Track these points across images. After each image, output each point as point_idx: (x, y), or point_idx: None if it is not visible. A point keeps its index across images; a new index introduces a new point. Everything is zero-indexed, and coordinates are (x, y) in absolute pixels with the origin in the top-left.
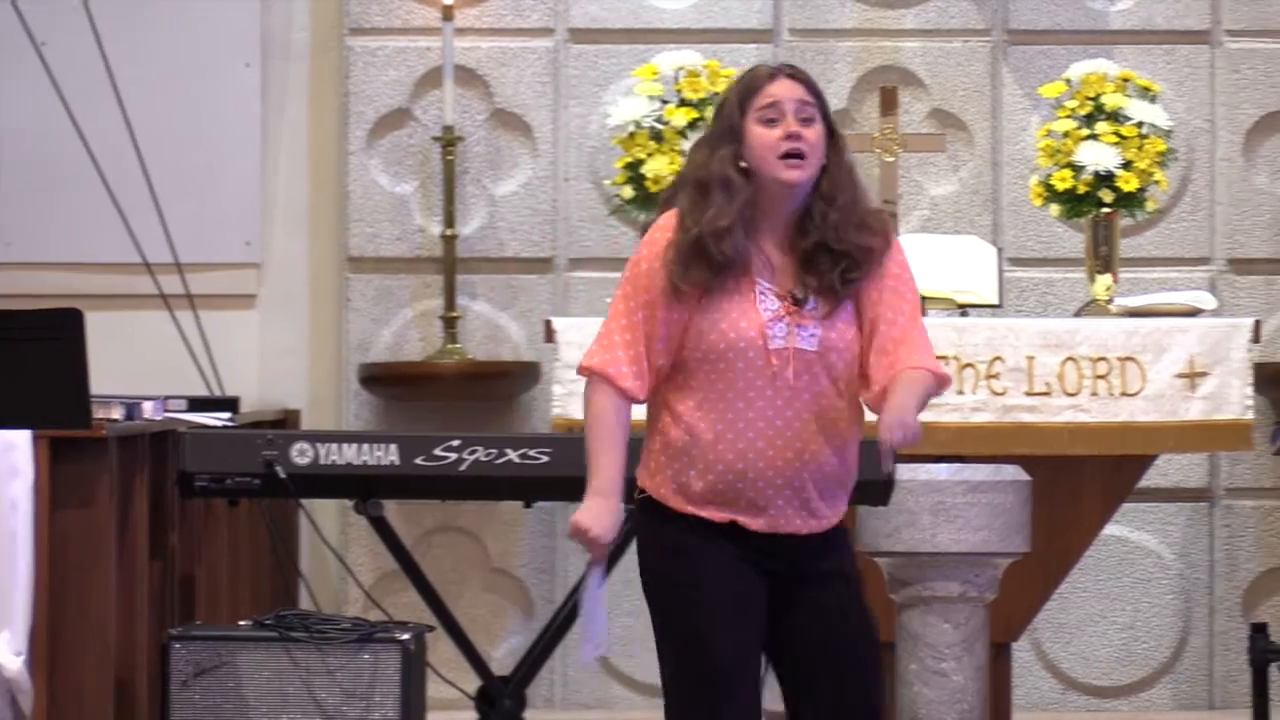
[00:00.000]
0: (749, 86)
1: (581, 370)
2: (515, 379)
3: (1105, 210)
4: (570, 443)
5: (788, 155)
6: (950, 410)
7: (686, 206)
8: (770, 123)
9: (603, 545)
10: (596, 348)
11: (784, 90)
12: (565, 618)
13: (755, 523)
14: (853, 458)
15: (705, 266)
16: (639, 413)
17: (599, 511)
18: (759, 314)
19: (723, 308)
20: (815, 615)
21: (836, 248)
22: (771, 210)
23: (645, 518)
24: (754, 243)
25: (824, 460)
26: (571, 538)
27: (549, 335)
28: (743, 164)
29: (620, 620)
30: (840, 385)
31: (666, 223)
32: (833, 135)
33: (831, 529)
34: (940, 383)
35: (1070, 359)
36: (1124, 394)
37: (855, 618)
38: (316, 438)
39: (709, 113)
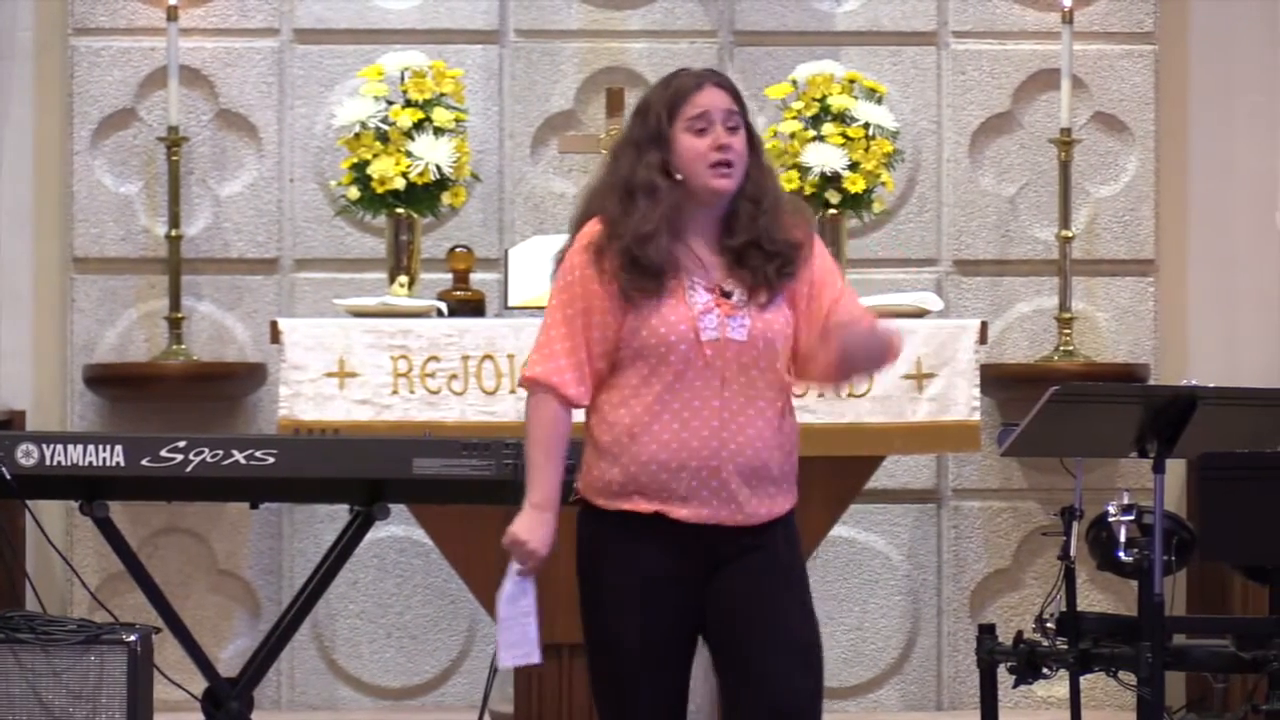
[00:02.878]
0: (677, 95)
1: (524, 381)
2: (241, 380)
3: (832, 211)
4: (296, 444)
5: (718, 164)
6: None
7: (616, 213)
8: (700, 132)
9: (538, 558)
10: (537, 357)
11: (712, 100)
12: (291, 619)
13: (680, 512)
14: (790, 453)
15: (644, 273)
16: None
17: (534, 524)
18: (689, 308)
19: (655, 305)
20: (735, 613)
21: (769, 248)
22: (699, 213)
23: (579, 517)
24: (682, 243)
25: (749, 451)
26: (506, 548)
27: (275, 336)
28: (670, 170)
29: (348, 621)
30: (769, 376)
31: (592, 229)
32: (752, 140)
33: (764, 525)
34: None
35: None
36: (851, 395)
37: (775, 620)
38: (42, 439)
39: (435, 113)
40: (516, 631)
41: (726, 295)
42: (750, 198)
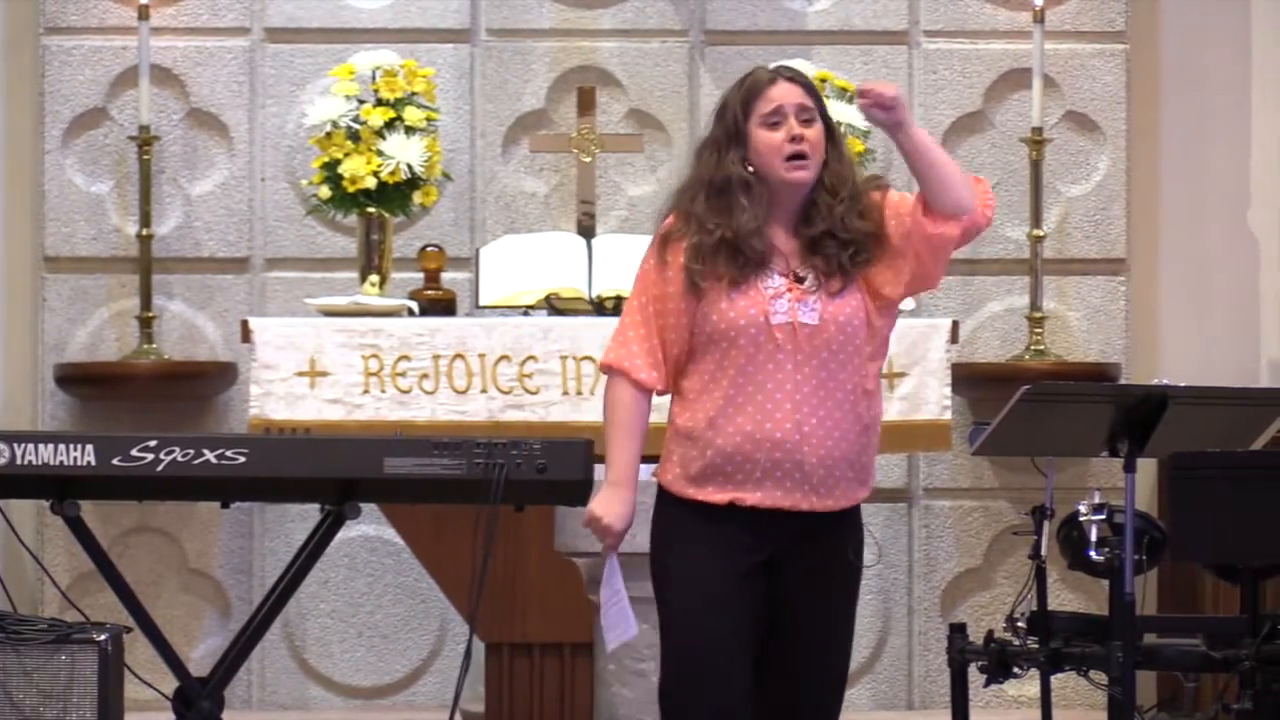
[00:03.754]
0: (750, 91)
1: (600, 367)
2: (212, 379)
3: None
4: (267, 443)
5: (792, 157)
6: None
7: (703, 209)
8: (774, 126)
9: (615, 533)
10: (612, 344)
11: (784, 94)
12: (262, 618)
13: (753, 497)
14: (868, 443)
15: (731, 262)
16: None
17: (611, 500)
18: (761, 292)
19: (727, 291)
20: (796, 605)
21: (844, 236)
22: (778, 204)
23: (656, 505)
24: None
25: (828, 436)
26: (585, 526)
27: (245, 335)
28: (749, 166)
29: (318, 621)
30: (844, 359)
31: (665, 225)
32: (830, 131)
33: (842, 512)
34: (977, 181)
35: None
36: None
37: (830, 618)
38: (12, 438)
39: (406, 112)
40: (612, 613)
41: (800, 280)
42: (829, 188)
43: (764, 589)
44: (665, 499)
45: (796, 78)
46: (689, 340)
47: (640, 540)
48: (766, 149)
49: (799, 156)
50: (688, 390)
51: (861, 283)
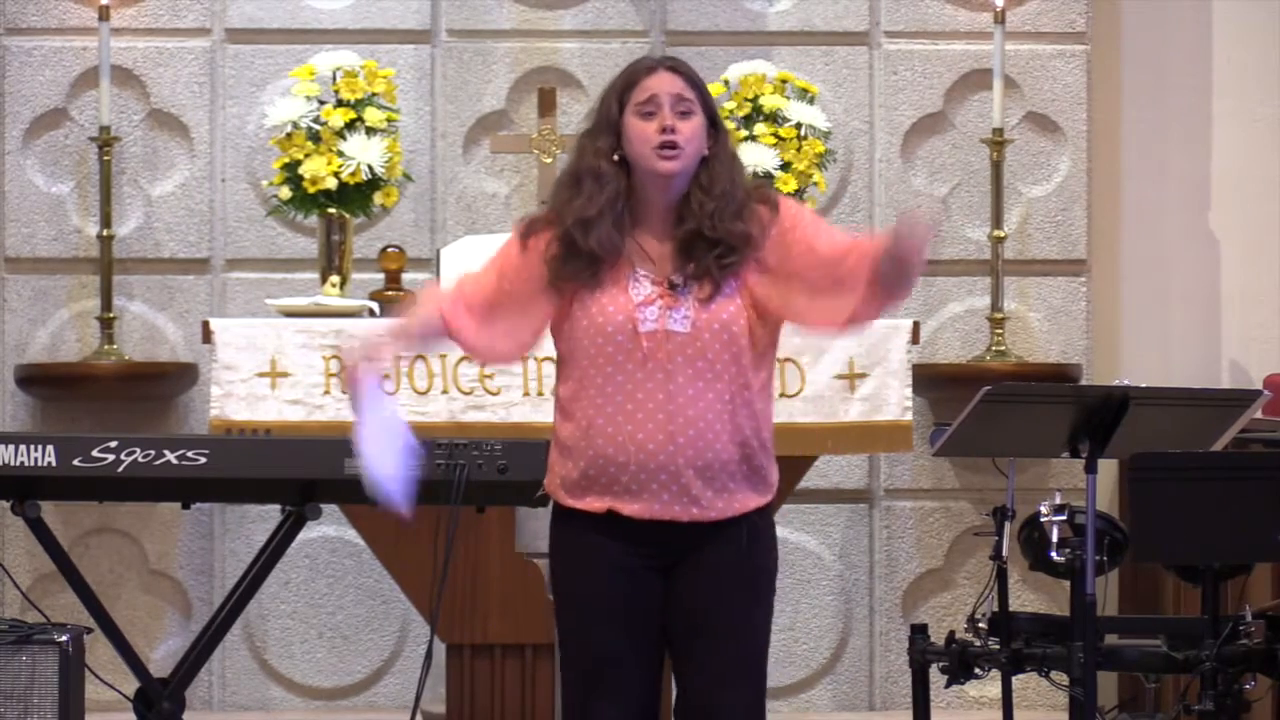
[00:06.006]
0: (628, 80)
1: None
2: (173, 380)
3: None
4: (227, 444)
5: (663, 146)
6: None
7: (563, 199)
8: (648, 116)
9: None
10: (456, 279)
11: (661, 84)
12: (223, 619)
13: (630, 508)
14: (753, 449)
15: (579, 259)
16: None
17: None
18: (629, 298)
19: (595, 297)
20: (695, 609)
21: (711, 235)
22: (650, 200)
23: (551, 516)
24: (632, 233)
25: (707, 448)
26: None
27: (206, 336)
28: (618, 155)
29: (279, 621)
30: (720, 369)
31: (532, 214)
32: (715, 126)
33: (727, 520)
34: None
35: None
36: (783, 395)
37: (733, 620)
38: None
39: (367, 113)
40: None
41: (672, 287)
42: (703, 186)
43: (660, 591)
44: (554, 509)
45: (678, 68)
46: (557, 346)
47: None
48: (638, 138)
49: (669, 146)
50: (564, 399)
51: (745, 289)
